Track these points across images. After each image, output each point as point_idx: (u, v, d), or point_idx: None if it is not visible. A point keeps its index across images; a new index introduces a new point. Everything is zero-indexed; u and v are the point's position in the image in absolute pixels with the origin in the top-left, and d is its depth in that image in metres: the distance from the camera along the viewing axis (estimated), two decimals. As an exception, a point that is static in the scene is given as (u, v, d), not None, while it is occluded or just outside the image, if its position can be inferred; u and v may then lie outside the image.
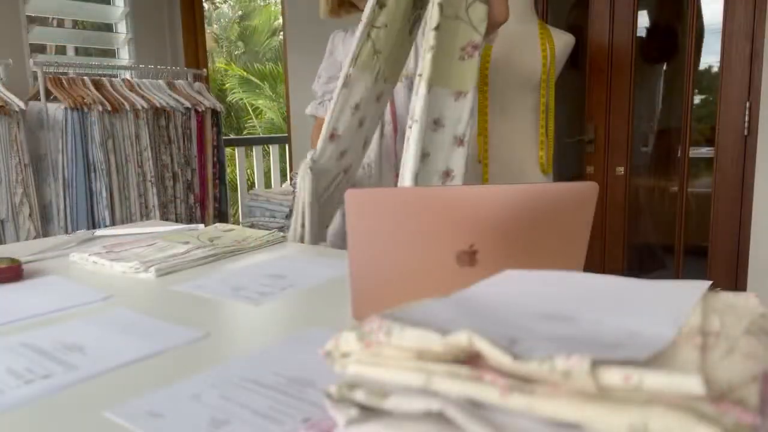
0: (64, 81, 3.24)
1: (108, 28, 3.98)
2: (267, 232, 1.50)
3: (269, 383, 0.67)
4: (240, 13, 13.15)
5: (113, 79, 3.51)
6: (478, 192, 0.79)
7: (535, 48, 2.57)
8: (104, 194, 3.21)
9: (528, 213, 0.79)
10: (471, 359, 0.42)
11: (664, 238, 3.30)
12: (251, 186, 5.37)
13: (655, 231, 3.61)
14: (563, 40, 2.62)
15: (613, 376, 0.36)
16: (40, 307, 0.99)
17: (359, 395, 0.42)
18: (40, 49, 3.66)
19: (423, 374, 0.42)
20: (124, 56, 3.94)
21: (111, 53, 3.97)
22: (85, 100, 3.14)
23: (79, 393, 0.67)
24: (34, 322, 0.91)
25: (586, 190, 0.82)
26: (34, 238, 2.98)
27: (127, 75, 3.83)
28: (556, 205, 0.81)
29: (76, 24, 4.17)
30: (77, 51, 4.04)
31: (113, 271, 1.23)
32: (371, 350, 0.45)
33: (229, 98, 11.42)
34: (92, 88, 3.31)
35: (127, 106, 3.31)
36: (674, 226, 3.01)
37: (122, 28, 3.93)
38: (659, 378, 0.35)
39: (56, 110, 3.14)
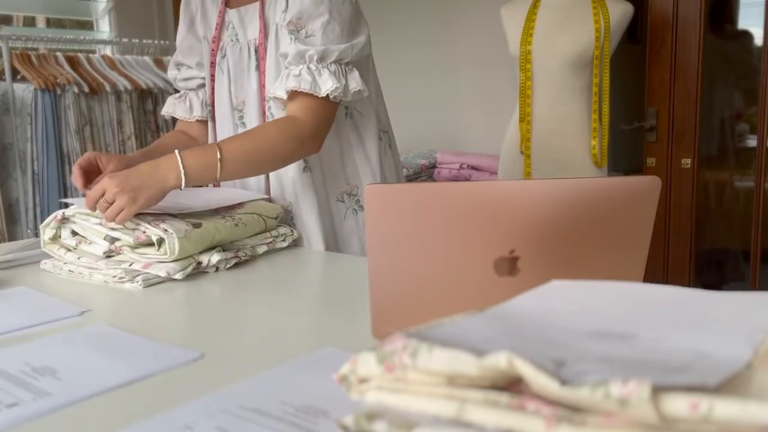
0: (32, 57, 3.27)
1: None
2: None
3: (274, 413, 0.67)
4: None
5: (91, 55, 3.51)
6: (519, 188, 0.79)
7: (587, 19, 2.56)
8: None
9: (578, 213, 0.79)
10: (511, 385, 0.42)
11: (739, 243, 3.27)
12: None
13: (728, 234, 3.58)
14: (620, 10, 2.61)
15: (678, 405, 0.36)
16: (6, 323, 0.99)
17: (380, 427, 0.42)
18: (5, 20, 3.68)
19: (455, 402, 0.42)
20: (104, 29, 3.95)
21: (88, 25, 3.97)
22: (58, 80, 3.16)
23: (51, 424, 0.68)
24: None
25: (647, 186, 0.82)
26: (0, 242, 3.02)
27: (108, 51, 3.83)
28: (611, 204, 0.81)
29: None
30: (49, 23, 4.03)
31: (92, 280, 1.23)
32: (394, 374, 0.45)
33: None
34: (66, 65, 3.33)
35: (108, 87, 3.33)
36: (750, 228, 2.98)
37: (101, -5, 3.93)
38: (732, 407, 0.35)
39: (24, 91, 3.16)
